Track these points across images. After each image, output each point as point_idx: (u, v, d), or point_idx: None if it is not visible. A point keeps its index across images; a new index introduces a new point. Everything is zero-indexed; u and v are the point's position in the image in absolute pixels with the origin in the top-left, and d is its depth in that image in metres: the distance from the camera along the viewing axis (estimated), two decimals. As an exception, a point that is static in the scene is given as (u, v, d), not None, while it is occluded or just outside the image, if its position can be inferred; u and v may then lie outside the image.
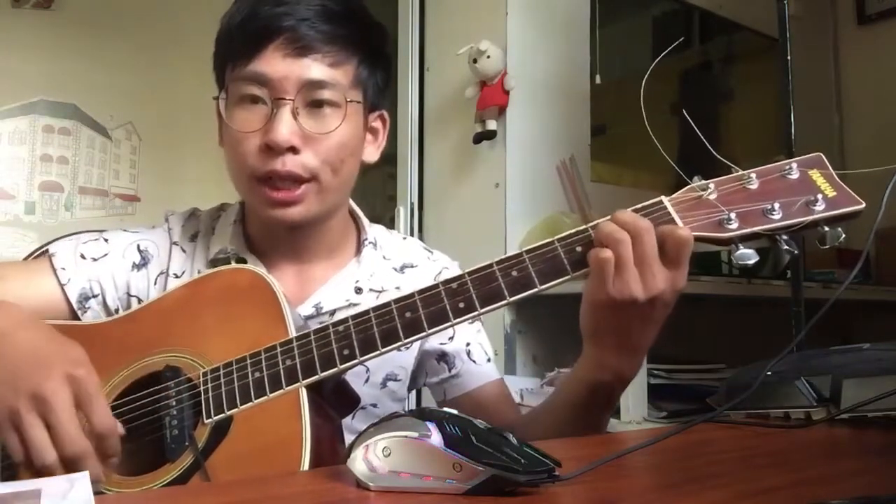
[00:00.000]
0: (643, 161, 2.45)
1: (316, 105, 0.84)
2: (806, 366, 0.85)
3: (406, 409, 1.00)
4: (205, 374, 0.73)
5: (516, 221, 1.95)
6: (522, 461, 0.48)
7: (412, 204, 2.23)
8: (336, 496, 0.50)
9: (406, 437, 0.49)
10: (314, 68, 0.83)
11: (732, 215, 0.69)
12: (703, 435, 0.75)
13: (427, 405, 1.05)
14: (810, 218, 0.67)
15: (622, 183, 2.28)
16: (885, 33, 2.68)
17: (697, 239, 0.70)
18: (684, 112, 0.78)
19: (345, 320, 0.72)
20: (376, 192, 2.42)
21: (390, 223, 2.19)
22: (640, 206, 0.72)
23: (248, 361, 0.72)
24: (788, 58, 1.64)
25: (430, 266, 1.01)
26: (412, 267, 0.99)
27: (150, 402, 0.74)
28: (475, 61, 1.93)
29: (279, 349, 0.71)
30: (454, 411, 0.52)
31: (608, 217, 0.71)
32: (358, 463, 0.51)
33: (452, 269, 1.02)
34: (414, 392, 1.06)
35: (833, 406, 0.80)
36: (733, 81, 2.78)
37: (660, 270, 0.69)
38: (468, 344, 0.97)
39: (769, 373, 0.73)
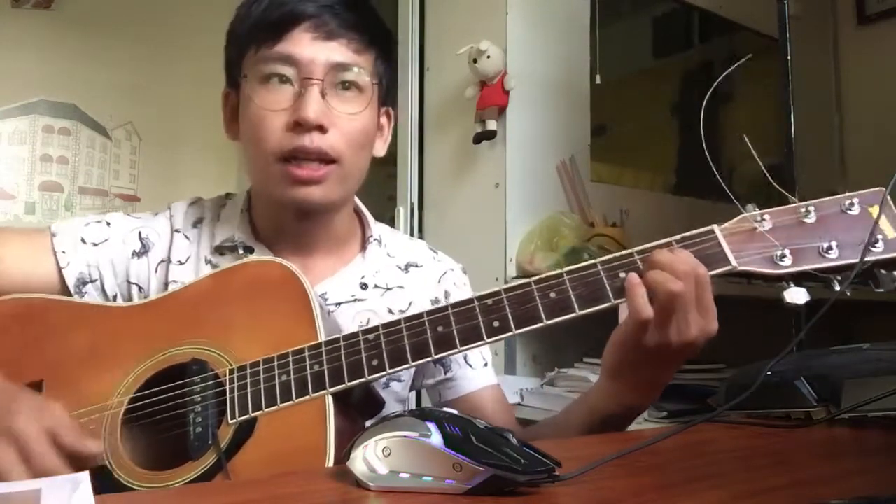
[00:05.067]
0: (643, 161, 2.45)
1: (342, 88, 0.85)
2: (806, 366, 0.85)
3: (406, 409, 1.00)
4: (231, 372, 0.72)
5: (516, 221, 1.95)
6: (522, 461, 0.48)
7: (412, 204, 2.23)
8: (336, 496, 0.50)
9: (406, 437, 0.49)
10: (340, 52, 0.85)
11: (787, 252, 0.66)
12: (703, 435, 0.75)
13: (427, 405, 1.05)
14: (869, 260, 0.64)
15: (622, 183, 2.28)
16: (885, 33, 2.68)
17: (745, 275, 0.67)
18: (745, 138, 0.73)
19: (375, 328, 0.70)
20: (376, 193, 2.42)
21: (390, 223, 2.18)
22: (689, 234, 0.70)
23: (276, 363, 0.71)
24: (788, 58, 1.63)
25: (435, 267, 1.01)
26: (417, 267, 0.99)
27: (175, 397, 0.73)
28: (475, 61, 1.93)
29: (307, 353, 0.70)
30: (454, 411, 0.52)
31: (664, 249, 0.68)
32: (358, 463, 0.50)
33: (457, 272, 1.02)
34: (414, 392, 1.05)
35: (833, 406, 0.80)
36: (733, 81, 2.78)
37: (694, 319, 0.68)
38: None
39: (769, 373, 0.73)
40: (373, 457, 0.50)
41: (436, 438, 0.49)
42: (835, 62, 2.83)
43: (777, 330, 1.61)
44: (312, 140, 0.82)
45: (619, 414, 0.78)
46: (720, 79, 0.78)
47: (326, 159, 0.84)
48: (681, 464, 0.63)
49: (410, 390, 1.00)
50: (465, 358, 0.97)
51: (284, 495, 0.51)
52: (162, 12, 3.04)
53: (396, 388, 0.95)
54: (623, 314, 0.70)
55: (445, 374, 0.96)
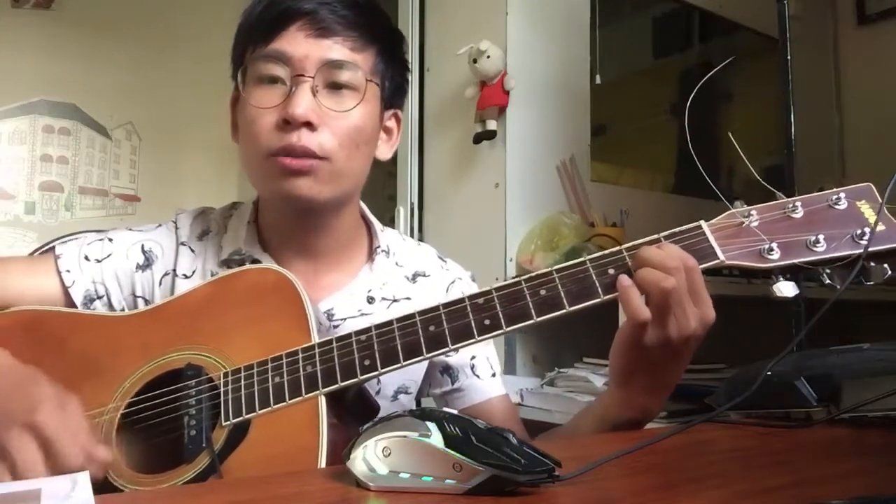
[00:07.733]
0: (643, 161, 2.45)
1: (335, 87, 0.84)
2: (806, 366, 0.85)
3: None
4: (225, 375, 0.72)
5: (516, 221, 1.95)
6: (522, 461, 0.48)
7: (412, 204, 2.23)
8: (336, 496, 0.50)
9: (406, 437, 0.50)
10: (335, 50, 0.83)
11: (774, 245, 0.67)
12: (703, 435, 0.75)
13: (427, 406, 1.05)
14: (856, 252, 0.64)
15: (622, 183, 2.29)
16: (885, 33, 2.68)
17: (734, 268, 0.68)
18: (731, 136, 0.74)
19: (367, 329, 0.71)
20: (376, 192, 2.42)
21: (390, 223, 2.19)
22: (677, 229, 0.70)
23: (270, 365, 0.71)
24: (788, 58, 1.64)
25: (443, 276, 0.99)
26: (424, 276, 0.98)
27: (170, 401, 0.73)
28: (475, 61, 1.93)
29: (301, 355, 0.71)
30: (454, 411, 0.52)
31: (652, 245, 0.69)
32: (358, 463, 0.51)
33: (465, 280, 1.01)
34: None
35: (833, 406, 0.80)
36: (733, 81, 2.79)
37: (691, 311, 0.68)
38: (473, 358, 0.96)
39: (769, 373, 0.73)
40: (373, 457, 0.50)
41: (436, 438, 0.49)
42: (835, 62, 2.83)
43: (777, 330, 1.61)
44: (300, 138, 0.81)
45: (632, 419, 0.77)
46: (708, 76, 0.79)
47: (315, 156, 0.82)
48: (681, 464, 0.63)
49: (417, 399, 0.99)
50: (472, 368, 0.96)
51: (285, 495, 0.51)
52: (162, 13, 3.04)
53: (404, 401, 0.94)
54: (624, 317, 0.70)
55: (453, 384, 0.96)
